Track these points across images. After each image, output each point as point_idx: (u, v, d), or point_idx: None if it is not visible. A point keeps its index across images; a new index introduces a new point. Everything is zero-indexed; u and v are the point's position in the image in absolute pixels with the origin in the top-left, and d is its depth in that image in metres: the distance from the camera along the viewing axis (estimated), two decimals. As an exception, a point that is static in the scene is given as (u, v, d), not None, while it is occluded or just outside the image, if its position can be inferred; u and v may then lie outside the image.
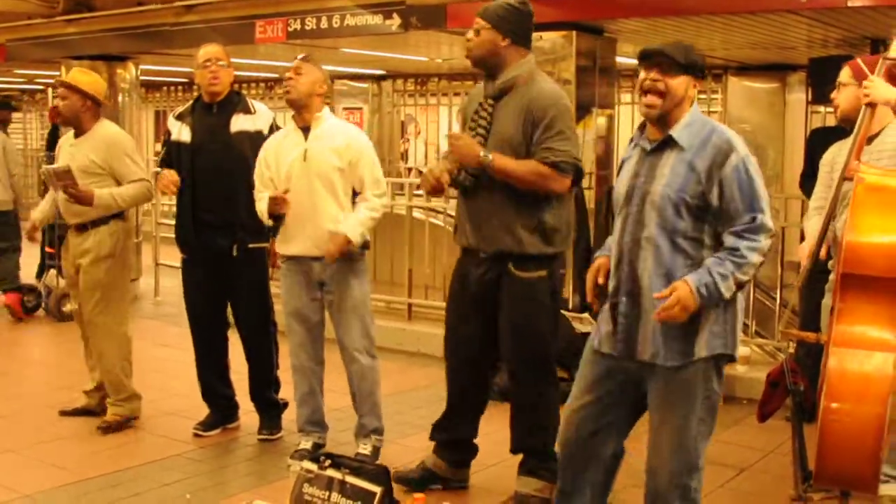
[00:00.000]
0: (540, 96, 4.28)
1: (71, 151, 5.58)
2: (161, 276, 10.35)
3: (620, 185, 3.54)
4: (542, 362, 4.49)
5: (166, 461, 5.13)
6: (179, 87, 15.51)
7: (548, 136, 4.22)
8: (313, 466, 4.12)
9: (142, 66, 10.67)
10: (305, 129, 4.89)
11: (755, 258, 3.29)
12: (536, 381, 4.48)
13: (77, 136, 5.60)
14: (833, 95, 4.39)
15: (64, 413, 5.85)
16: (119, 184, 5.51)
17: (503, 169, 4.21)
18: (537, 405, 4.49)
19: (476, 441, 4.77)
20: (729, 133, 3.39)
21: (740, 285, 3.33)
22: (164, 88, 15.69)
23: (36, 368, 7.31)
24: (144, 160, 5.70)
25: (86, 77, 5.64)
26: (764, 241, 3.30)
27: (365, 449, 4.99)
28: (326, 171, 4.83)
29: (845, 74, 4.33)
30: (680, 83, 3.37)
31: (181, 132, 5.38)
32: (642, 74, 3.40)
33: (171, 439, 5.47)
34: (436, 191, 4.48)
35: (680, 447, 3.43)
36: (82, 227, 5.56)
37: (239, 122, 5.32)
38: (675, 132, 3.37)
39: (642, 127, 3.54)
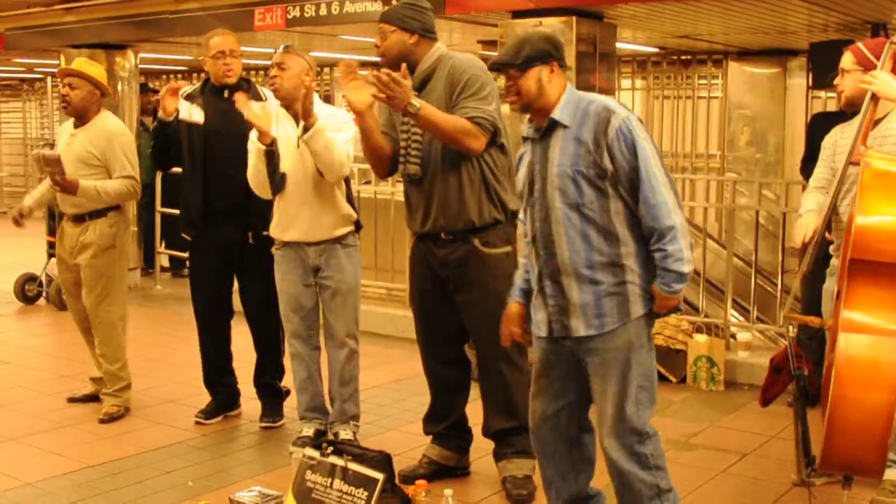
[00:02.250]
0: (455, 65, 4.35)
1: (69, 141, 5.57)
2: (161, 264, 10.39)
3: (519, 180, 3.64)
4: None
5: (168, 449, 5.14)
6: (179, 75, 15.47)
7: (464, 96, 4.27)
8: (315, 453, 4.12)
9: (141, 55, 10.64)
10: (296, 117, 4.88)
11: (683, 245, 3.37)
12: (506, 361, 4.45)
13: (77, 125, 5.59)
14: (837, 81, 4.35)
15: (72, 400, 5.90)
16: (111, 177, 5.51)
17: (429, 118, 4.18)
18: (509, 385, 4.48)
19: (469, 425, 4.76)
20: (606, 100, 3.47)
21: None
22: (164, 76, 15.64)
23: (37, 357, 7.31)
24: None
25: (94, 68, 5.64)
26: (678, 230, 3.35)
27: (346, 434, 4.98)
28: None
29: (848, 60, 4.29)
30: (529, 77, 3.47)
31: (192, 112, 5.33)
32: (501, 81, 3.60)
33: (172, 427, 5.48)
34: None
35: (623, 417, 3.46)
36: (80, 219, 5.57)
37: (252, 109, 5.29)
38: (557, 114, 3.47)
39: (531, 119, 3.61)
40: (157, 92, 11.53)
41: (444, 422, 4.70)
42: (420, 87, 4.36)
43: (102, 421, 5.54)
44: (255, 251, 5.32)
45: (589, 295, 3.43)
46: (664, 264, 3.36)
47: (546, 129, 3.50)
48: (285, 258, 4.99)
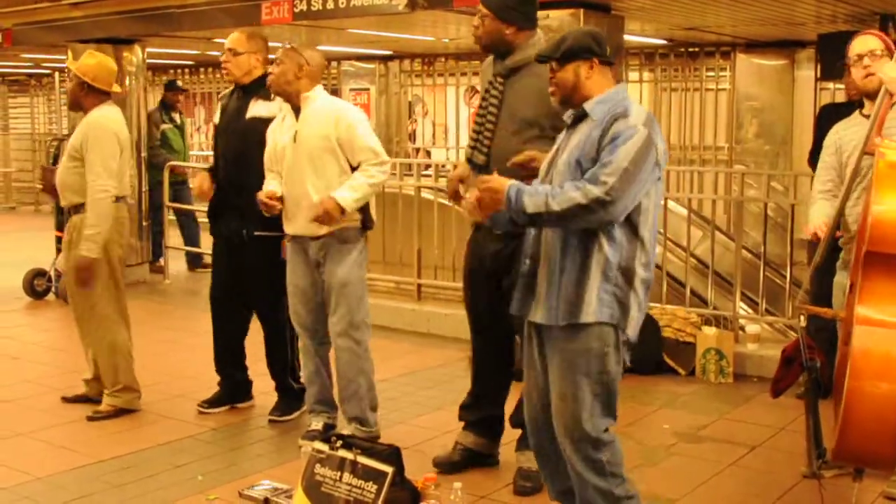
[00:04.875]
0: None
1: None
2: (169, 259, 10.40)
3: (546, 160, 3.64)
4: None
5: (178, 443, 5.15)
6: (186, 70, 15.47)
7: None
8: (325, 447, 4.13)
9: (148, 49, 10.64)
10: (297, 111, 4.90)
11: (575, 197, 3.22)
12: None
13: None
14: (867, 63, 4.20)
15: (66, 399, 5.83)
16: None
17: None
18: None
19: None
20: (633, 108, 3.39)
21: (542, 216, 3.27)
22: (172, 71, 15.66)
23: (46, 352, 7.32)
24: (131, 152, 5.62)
25: (89, 60, 5.57)
26: (588, 192, 3.21)
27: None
28: (316, 151, 4.81)
29: (877, 43, 4.23)
30: (567, 71, 3.47)
31: (217, 114, 5.53)
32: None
33: (182, 421, 5.49)
34: (457, 198, 4.49)
35: (575, 421, 3.42)
36: (68, 212, 5.54)
37: (255, 108, 5.31)
38: (588, 106, 3.46)
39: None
40: (184, 91, 11.58)
41: (484, 412, 4.69)
42: (507, 75, 4.38)
43: (90, 418, 5.49)
44: (252, 250, 5.33)
45: (554, 283, 3.40)
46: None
47: (576, 119, 3.50)
48: (293, 252, 5.00)
